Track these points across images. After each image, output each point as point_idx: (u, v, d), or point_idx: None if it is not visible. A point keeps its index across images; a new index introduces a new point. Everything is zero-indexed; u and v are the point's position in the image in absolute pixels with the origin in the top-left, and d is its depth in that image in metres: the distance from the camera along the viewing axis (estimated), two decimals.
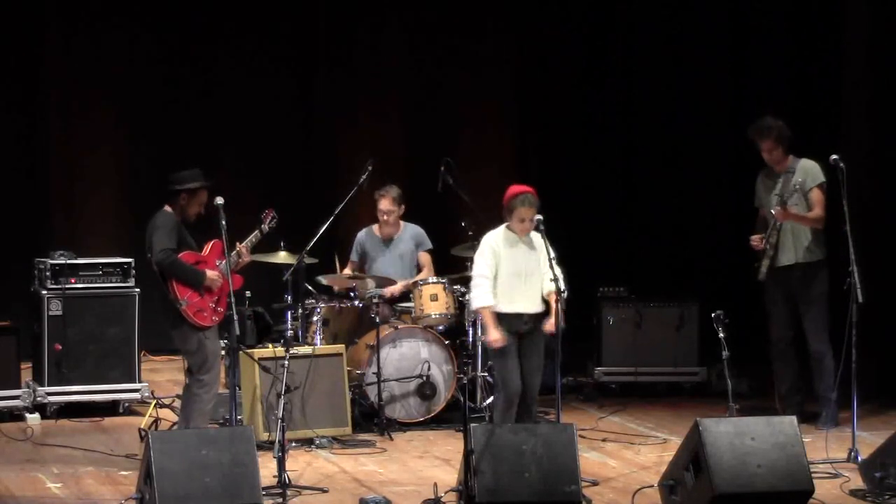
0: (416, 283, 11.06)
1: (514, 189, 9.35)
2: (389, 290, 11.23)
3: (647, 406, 11.65)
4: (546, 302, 9.32)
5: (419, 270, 11.50)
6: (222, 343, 9.88)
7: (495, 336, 9.22)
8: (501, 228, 9.40)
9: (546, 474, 8.01)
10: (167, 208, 9.36)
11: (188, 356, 9.43)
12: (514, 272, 9.29)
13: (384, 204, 11.36)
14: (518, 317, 9.29)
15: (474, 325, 10.87)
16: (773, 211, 10.50)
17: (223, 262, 9.26)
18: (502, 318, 9.28)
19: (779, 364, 10.79)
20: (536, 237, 9.35)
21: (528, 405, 9.37)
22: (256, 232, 9.73)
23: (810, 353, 10.62)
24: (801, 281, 10.58)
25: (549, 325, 9.19)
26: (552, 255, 9.09)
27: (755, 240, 10.70)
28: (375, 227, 11.57)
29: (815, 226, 10.51)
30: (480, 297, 9.30)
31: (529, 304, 9.33)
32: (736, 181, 14.04)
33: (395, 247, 11.47)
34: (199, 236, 9.51)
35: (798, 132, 10.84)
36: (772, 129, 10.60)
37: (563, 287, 8.96)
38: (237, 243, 9.50)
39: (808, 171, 10.54)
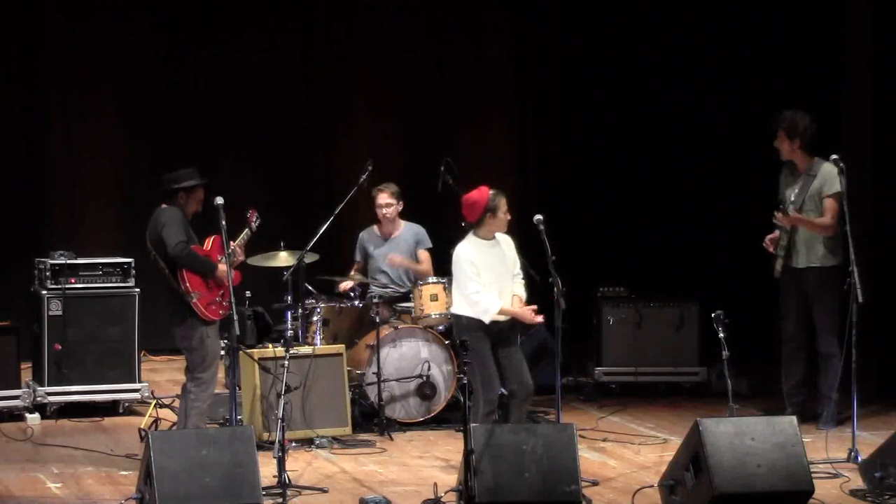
0: (415, 283, 11.07)
1: (481, 193, 9.33)
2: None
3: (647, 406, 11.64)
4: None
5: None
6: (222, 343, 9.89)
7: (531, 314, 9.26)
8: (469, 240, 9.39)
9: (546, 474, 8.01)
10: (165, 205, 9.37)
11: (188, 353, 9.43)
12: (492, 281, 9.31)
13: (382, 197, 11.38)
14: (494, 323, 9.29)
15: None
16: (776, 216, 10.51)
17: (223, 258, 9.26)
18: (477, 323, 9.26)
19: (788, 362, 10.77)
20: (502, 238, 9.41)
21: (523, 401, 9.34)
22: (247, 230, 9.73)
23: (819, 353, 10.61)
24: (814, 284, 10.55)
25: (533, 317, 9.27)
26: (550, 257, 9.12)
27: (768, 241, 10.69)
28: (376, 226, 11.58)
29: (822, 233, 10.45)
30: (491, 304, 9.24)
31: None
32: (736, 181, 14.06)
33: (394, 245, 11.46)
34: (196, 235, 9.52)
35: None
36: (784, 119, 10.57)
37: (561, 288, 8.99)
38: (231, 242, 9.52)
39: (826, 178, 10.48)
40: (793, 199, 10.54)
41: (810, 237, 10.54)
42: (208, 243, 9.44)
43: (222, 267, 9.27)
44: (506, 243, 9.45)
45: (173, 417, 10.19)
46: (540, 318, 9.33)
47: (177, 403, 10.29)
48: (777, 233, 10.65)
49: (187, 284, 9.20)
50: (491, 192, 9.33)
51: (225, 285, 9.30)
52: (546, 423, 10.34)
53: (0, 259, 13.17)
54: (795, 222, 10.48)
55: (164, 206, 9.38)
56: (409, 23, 14.39)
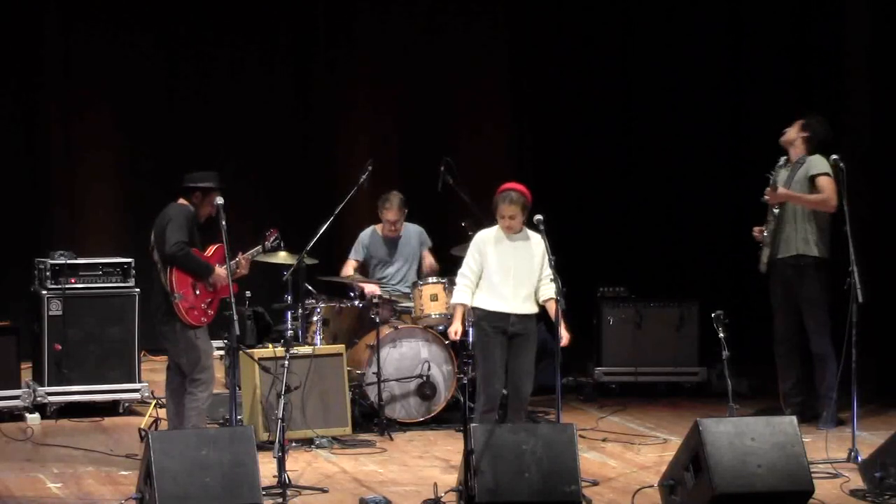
0: (415, 283, 11.08)
1: (503, 186, 9.36)
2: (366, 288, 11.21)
3: (647, 406, 11.64)
4: (543, 306, 9.33)
5: (422, 269, 11.50)
6: (221, 343, 9.88)
7: (456, 328, 9.36)
8: (494, 227, 9.40)
9: (546, 474, 8.01)
10: (181, 201, 9.37)
11: (179, 356, 9.41)
12: (499, 270, 9.27)
13: (391, 215, 11.37)
14: (503, 316, 9.26)
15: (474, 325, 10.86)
16: (765, 194, 10.48)
17: (223, 266, 9.25)
18: (486, 316, 9.28)
19: (782, 363, 10.75)
20: (536, 238, 9.34)
21: (517, 409, 9.35)
22: (258, 247, 9.73)
23: (812, 355, 10.60)
24: (796, 276, 10.53)
25: (564, 338, 9.09)
26: (551, 257, 9.11)
27: (757, 230, 10.67)
28: (378, 227, 11.58)
29: (820, 207, 10.33)
30: (458, 294, 9.40)
31: (517, 305, 9.29)
32: (735, 181, 14.05)
33: (400, 247, 11.50)
34: (199, 236, 9.51)
35: None
36: (808, 114, 10.59)
37: (560, 288, 8.97)
38: (239, 252, 9.51)
39: (813, 163, 10.47)
40: (781, 184, 10.53)
41: (799, 224, 10.48)
42: (210, 250, 9.43)
43: (219, 271, 9.26)
44: (535, 243, 9.34)
45: None
46: (452, 336, 9.45)
47: None
48: (760, 226, 10.64)
49: (173, 284, 9.21)
50: (501, 192, 9.29)
51: (217, 293, 9.30)
52: (546, 423, 10.34)
53: (0, 259, 13.18)
54: (786, 198, 10.41)
55: (178, 202, 9.38)
56: (408, 23, 14.39)
